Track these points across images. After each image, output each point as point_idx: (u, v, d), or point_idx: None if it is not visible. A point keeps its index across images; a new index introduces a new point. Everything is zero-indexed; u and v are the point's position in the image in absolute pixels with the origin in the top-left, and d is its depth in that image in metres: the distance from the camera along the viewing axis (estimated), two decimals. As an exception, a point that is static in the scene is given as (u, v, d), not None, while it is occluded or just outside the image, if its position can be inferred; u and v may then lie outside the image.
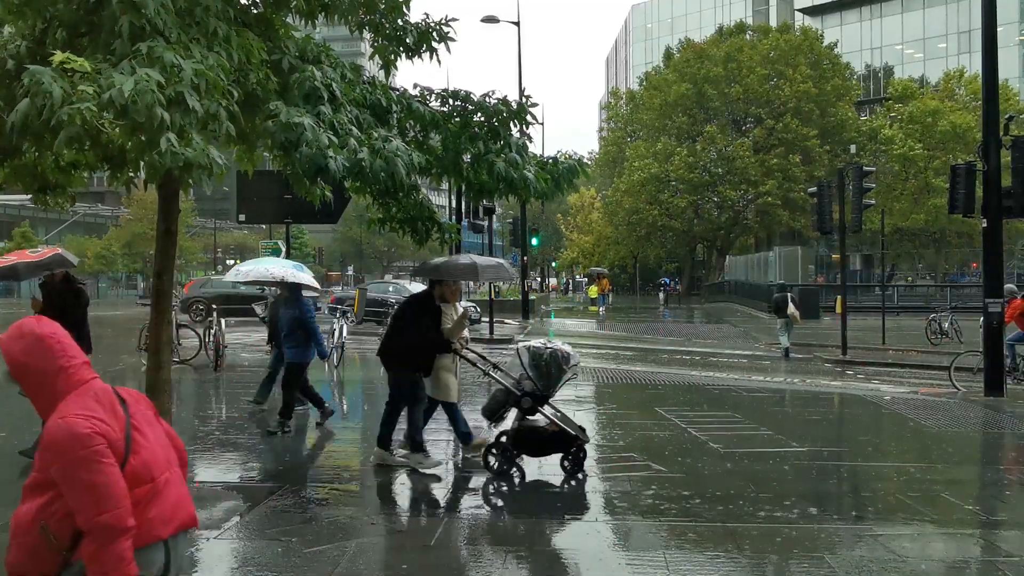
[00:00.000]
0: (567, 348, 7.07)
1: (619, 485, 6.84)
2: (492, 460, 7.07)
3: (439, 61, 6.62)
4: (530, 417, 7.07)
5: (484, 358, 7.66)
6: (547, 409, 7.08)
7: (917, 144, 44.02)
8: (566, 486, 6.86)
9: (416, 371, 7.36)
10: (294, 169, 5.75)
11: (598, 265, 54.84)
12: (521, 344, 7.24)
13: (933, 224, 44.96)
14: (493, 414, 7.25)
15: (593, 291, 39.78)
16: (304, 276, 9.46)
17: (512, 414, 7.21)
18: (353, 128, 5.60)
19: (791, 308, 18.12)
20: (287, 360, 9.11)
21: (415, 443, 7.33)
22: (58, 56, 4.32)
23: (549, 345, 7.04)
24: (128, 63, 4.45)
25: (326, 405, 9.51)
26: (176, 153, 4.46)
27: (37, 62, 4.88)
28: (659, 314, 38.13)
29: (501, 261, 8.45)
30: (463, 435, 7.86)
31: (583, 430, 7.13)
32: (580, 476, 6.99)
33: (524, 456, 7.26)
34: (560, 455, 7.10)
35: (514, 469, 7.11)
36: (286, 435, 8.81)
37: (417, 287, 29.24)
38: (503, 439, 7.17)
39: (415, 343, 7.21)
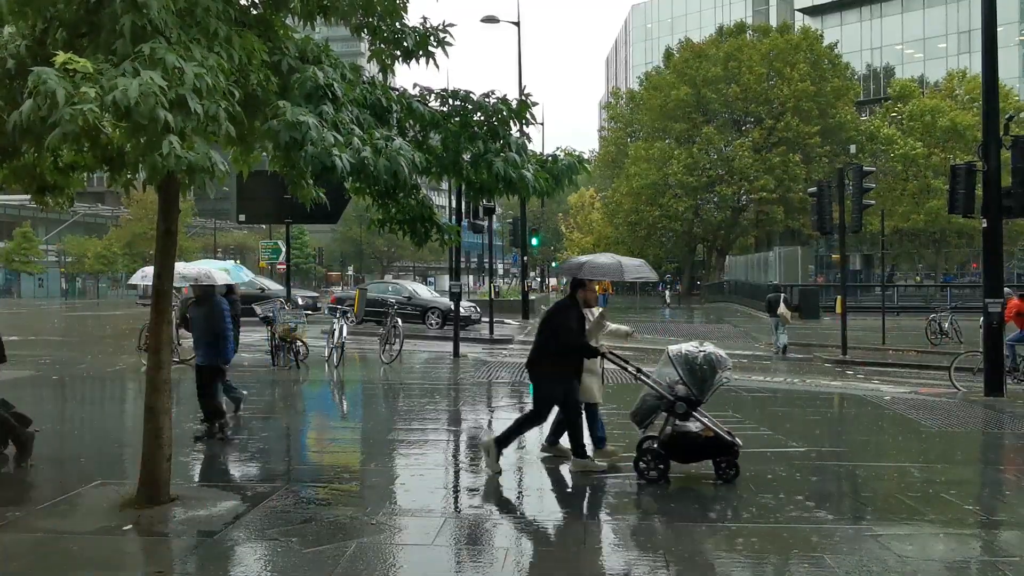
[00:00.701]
0: (721, 352, 6.93)
1: (619, 485, 6.85)
2: (644, 467, 6.85)
3: (436, 66, 6.62)
4: (680, 422, 6.89)
5: (627, 361, 7.44)
6: (700, 414, 6.91)
7: (918, 143, 44.03)
8: (556, 487, 6.86)
9: (569, 377, 7.19)
10: (296, 169, 5.74)
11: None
12: (672, 348, 7.03)
13: (933, 225, 44.97)
14: (643, 419, 7.07)
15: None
16: (219, 275, 9.07)
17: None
18: (355, 128, 5.60)
19: (781, 308, 18.22)
20: (200, 364, 8.74)
21: (579, 445, 7.17)
22: (60, 57, 4.32)
23: (703, 348, 6.89)
24: (130, 64, 4.45)
25: (223, 422, 8.86)
26: (180, 156, 4.47)
27: (37, 62, 4.88)
28: (661, 314, 38.09)
29: (642, 261, 8.36)
30: (598, 439, 7.73)
31: (731, 434, 6.95)
32: (733, 482, 6.80)
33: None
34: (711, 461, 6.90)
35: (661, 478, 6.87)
36: (225, 439, 8.54)
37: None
38: (646, 445, 6.97)
39: (565, 349, 7.09)
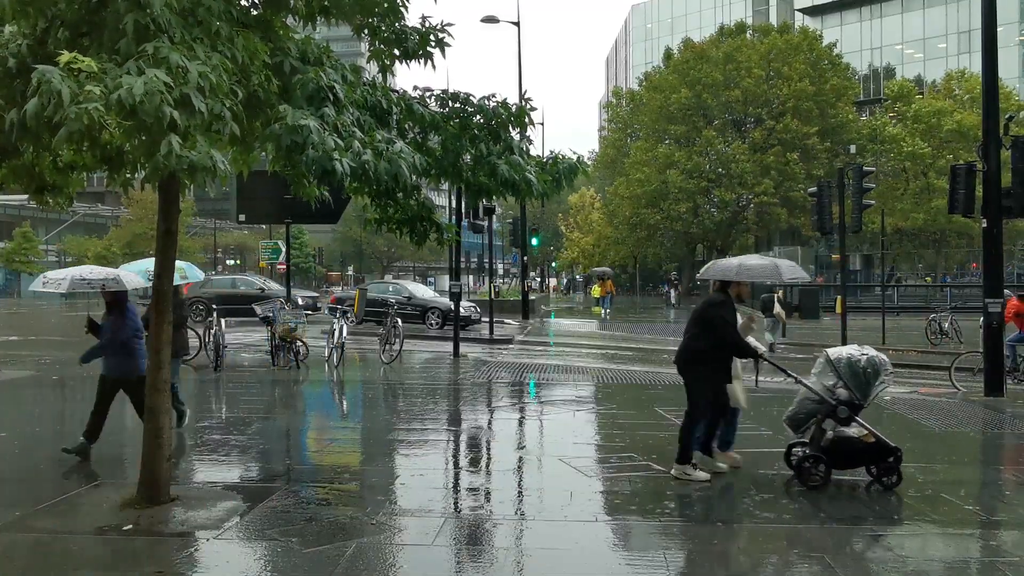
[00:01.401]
0: (882, 355, 6.81)
1: (619, 485, 6.85)
2: (805, 472, 6.70)
3: (434, 67, 6.62)
4: (841, 427, 6.76)
5: (780, 366, 7.27)
6: (860, 419, 6.81)
7: (924, 144, 44.04)
8: (556, 487, 6.86)
9: (720, 377, 7.04)
10: (296, 170, 5.74)
11: (599, 265, 54.78)
12: (832, 352, 6.90)
13: (932, 224, 44.97)
14: (801, 424, 6.90)
15: (596, 291, 39.70)
16: (131, 278, 8.31)
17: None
18: (356, 130, 5.61)
19: (776, 308, 18.32)
20: (110, 375, 7.97)
21: (687, 450, 7.00)
22: (65, 56, 4.33)
23: (865, 352, 6.76)
24: (134, 63, 4.45)
25: (92, 445, 7.86)
26: (181, 156, 4.47)
27: (39, 61, 4.88)
28: (663, 314, 38.03)
29: (793, 262, 8.09)
30: (725, 442, 7.55)
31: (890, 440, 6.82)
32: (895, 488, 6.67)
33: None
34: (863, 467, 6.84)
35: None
36: (79, 457, 7.65)
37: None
38: (799, 451, 6.91)
39: (721, 345, 6.93)
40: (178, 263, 9.51)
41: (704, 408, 7.05)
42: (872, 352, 6.78)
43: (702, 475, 6.95)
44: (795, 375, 7.12)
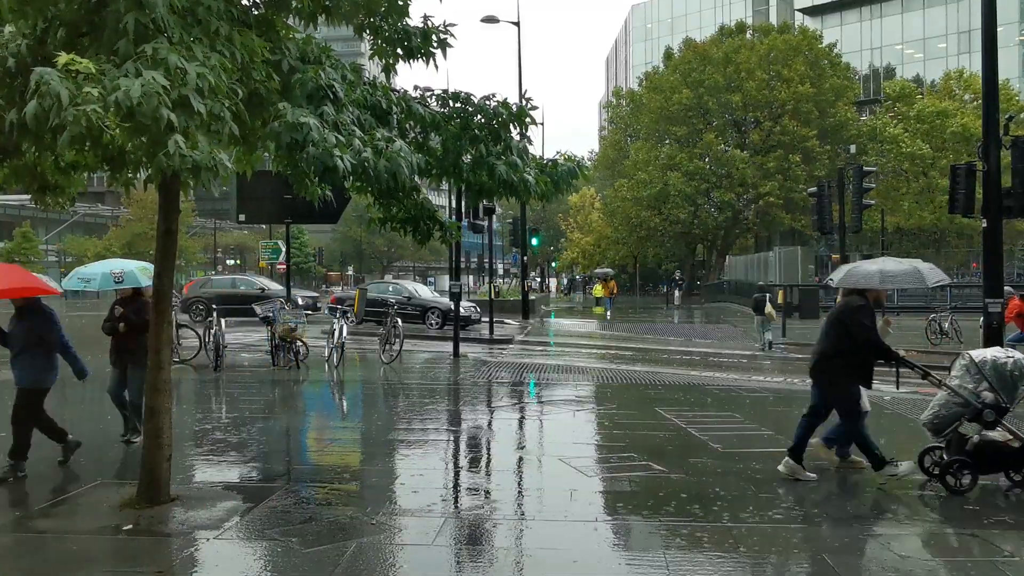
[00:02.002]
0: None
1: (619, 485, 6.85)
2: (952, 479, 6.55)
3: (436, 67, 6.64)
4: (986, 431, 6.63)
5: (920, 366, 7.17)
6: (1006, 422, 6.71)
7: (924, 144, 44.02)
8: (554, 487, 6.86)
9: (860, 383, 6.97)
10: (297, 169, 5.75)
11: (599, 265, 54.77)
12: (975, 353, 6.77)
13: (937, 224, 44.95)
14: (943, 428, 6.72)
15: (598, 290, 39.66)
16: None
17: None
18: (356, 129, 5.61)
19: (768, 308, 18.43)
20: (20, 385, 7.22)
21: (871, 452, 6.98)
22: (63, 57, 4.33)
23: (1011, 355, 6.63)
24: (132, 64, 4.45)
25: (69, 438, 7.57)
26: (184, 155, 4.47)
27: (38, 62, 4.89)
28: (664, 314, 38.01)
29: (930, 264, 7.72)
30: (841, 448, 7.44)
31: None
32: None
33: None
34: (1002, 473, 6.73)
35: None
36: (19, 479, 6.97)
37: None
38: (939, 456, 6.79)
39: (864, 348, 6.84)
40: (144, 264, 8.98)
41: (853, 404, 6.96)
42: (1018, 355, 6.67)
43: (904, 467, 6.90)
44: (938, 378, 6.95)
